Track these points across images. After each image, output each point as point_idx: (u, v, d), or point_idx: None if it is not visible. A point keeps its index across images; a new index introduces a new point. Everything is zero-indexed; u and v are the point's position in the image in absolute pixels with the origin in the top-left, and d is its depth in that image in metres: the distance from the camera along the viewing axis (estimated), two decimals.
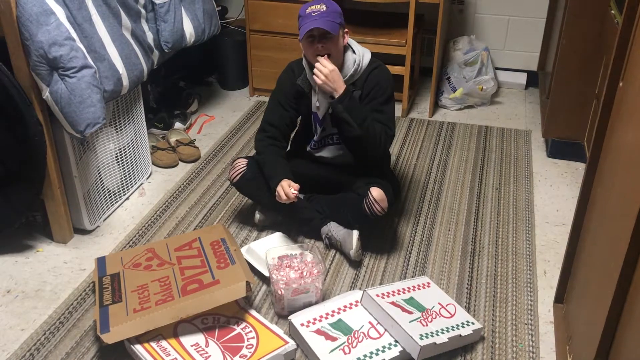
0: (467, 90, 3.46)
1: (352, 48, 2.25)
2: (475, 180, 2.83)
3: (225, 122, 3.41)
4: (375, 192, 2.17)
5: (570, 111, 2.91)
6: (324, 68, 2.12)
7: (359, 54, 2.24)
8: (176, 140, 3.03)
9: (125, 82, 2.43)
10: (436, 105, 3.55)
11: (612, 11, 2.53)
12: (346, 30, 2.21)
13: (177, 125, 3.24)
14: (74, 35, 2.12)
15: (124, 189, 2.68)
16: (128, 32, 2.52)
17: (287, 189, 2.14)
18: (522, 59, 3.79)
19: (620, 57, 1.59)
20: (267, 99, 3.35)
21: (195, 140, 3.09)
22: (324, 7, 2.11)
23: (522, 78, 3.80)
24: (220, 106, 3.60)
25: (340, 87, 2.13)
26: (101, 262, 2.21)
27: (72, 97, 2.10)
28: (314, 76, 2.14)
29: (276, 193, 2.17)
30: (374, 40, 3.25)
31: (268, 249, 2.18)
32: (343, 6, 3.61)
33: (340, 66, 2.21)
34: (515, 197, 2.71)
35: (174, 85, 3.54)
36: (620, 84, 1.59)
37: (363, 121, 2.15)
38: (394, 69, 3.31)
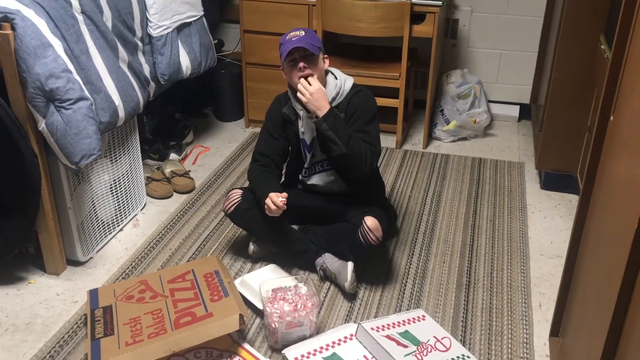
0: (461, 122, 3.49)
1: (333, 74, 2.32)
2: (469, 212, 2.84)
3: (220, 153, 3.42)
4: (370, 222, 2.17)
5: (563, 143, 2.94)
6: (308, 86, 2.16)
7: (341, 79, 2.31)
8: (171, 171, 3.04)
9: (122, 113, 2.44)
10: (430, 137, 3.58)
11: (602, 46, 2.57)
12: (326, 56, 2.29)
13: (173, 156, 3.25)
14: (71, 67, 2.14)
15: (117, 220, 2.67)
16: (125, 64, 2.55)
17: (275, 199, 2.17)
18: (514, 92, 3.84)
19: (611, 91, 1.62)
20: None
21: (190, 171, 3.10)
22: (302, 33, 2.19)
23: (514, 111, 3.84)
24: (216, 137, 3.62)
25: (324, 107, 2.17)
26: (93, 294, 2.19)
27: (68, 128, 2.11)
28: (298, 94, 2.17)
29: (265, 207, 2.19)
30: (369, 74, 3.29)
31: (262, 281, 2.16)
32: (339, 41, 3.69)
33: (324, 79, 2.28)
34: (510, 229, 2.71)
35: (169, 117, 3.56)
36: (611, 118, 1.61)
37: (348, 139, 2.16)
38: (388, 102, 3.36)
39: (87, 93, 2.18)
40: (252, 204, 2.33)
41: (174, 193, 2.99)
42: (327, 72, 2.31)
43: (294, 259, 2.43)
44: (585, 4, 2.68)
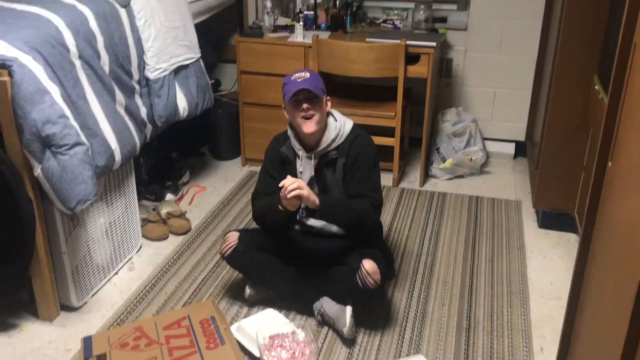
0: (457, 160, 3.50)
1: (333, 116, 2.34)
2: (468, 252, 2.82)
3: (217, 192, 3.41)
4: (368, 265, 2.15)
5: (560, 182, 2.94)
6: (292, 185, 2.11)
7: (340, 121, 2.33)
8: (167, 212, 3.02)
9: (118, 157, 2.44)
10: (426, 175, 3.58)
11: (596, 86, 2.60)
12: (328, 98, 2.31)
13: (169, 196, 3.23)
14: (68, 113, 2.14)
15: (113, 263, 2.64)
16: (122, 107, 2.56)
17: (289, 181, 2.12)
18: (509, 130, 3.86)
19: (608, 137, 1.62)
20: (259, 168, 3.39)
21: (186, 212, 3.08)
22: (307, 75, 2.22)
23: (510, 148, 3.86)
24: (213, 177, 3.61)
25: (314, 201, 2.15)
26: (87, 342, 2.15)
27: (64, 174, 2.10)
28: (292, 196, 2.12)
29: (283, 197, 2.13)
30: (365, 113, 3.31)
31: (259, 328, 2.13)
32: (334, 81, 3.72)
33: (323, 131, 2.28)
34: (509, 270, 2.69)
35: (166, 157, 3.56)
36: (609, 164, 1.61)
37: (348, 216, 2.22)
38: (384, 140, 3.36)
39: (83, 138, 2.18)
40: (249, 246, 2.31)
41: (170, 234, 2.96)
42: (328, 113, 2.33)
43: (291, 302, 2.40)
44: (578, 45, 2.71)
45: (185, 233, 2.97)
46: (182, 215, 3.02)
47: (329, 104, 2.33)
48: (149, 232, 2.92)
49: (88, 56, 2.34)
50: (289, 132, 2.35)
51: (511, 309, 2.43)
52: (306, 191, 2.12)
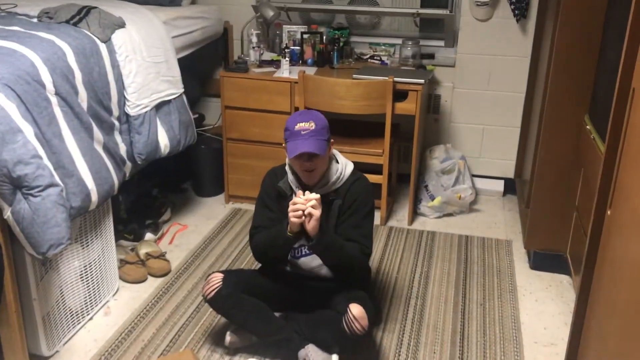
0: (445, 198, 3.43)
1: (335, 157, 2.28)
2: (459, 295, 2.73)
3: (198, 231, 3.29)
4: (355, 310, 2.05)
5: (551, 223, 2.88)
6: (303, 205, 2.04)
7: (342, 164, 2.27)
8: (146, 252, 2.90)
9: (94, 197, 2.33)
10: (415, 213, 3.50)
11: (587, 126, 2.55)
12: (332, 140, 2.22)
13: (148, 236, 3.12)
14: (41, 152, 2.04)
15: (87, 308, 2.51)
16: (100, 145, 2.46)
17: (301, 198, 2.05)
18: (498, 167, 3.81)
19: (606, 184, 1.55)
20: (243, 206, 3.29)
21: (165, 252, 2.96)
22: (313, 125, 2.10)
23: (499, 186, 3.80)
24: (195, 214, 3.50)
25: (316, 228, 2.07)
26: None
27: (36, 217, 1.99)
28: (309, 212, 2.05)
29: (293, 215, 2.04)
30: (352, 150, 3.24)
31: None
32: None
33: (324, 174, 2.21)
34: (501, 314, 2.60)
35: (146, 193, 3.45)
36: (608, 212, 1.54)
37: (340, 257, 2.16)
38: (372, 178, 3.25)
39: (57, 179, 2.08)
40: (233, 289, 2.21)
41: (149, 276, 2.84)
42: (330, 156, 2.26)
43: (276, 349, 2.28)
44: (568, 84, 2.67)
45: (164, 275, 2.85)
46: (161, 256, 2.90)
47: (332, 147, 2.25)
48: (126, 274, 2.79)
49: (65, 92, 2.25)
50: (287, 168, 2.28)
51: (504, 356, 2.33)
52: (318, 212, 2.04)
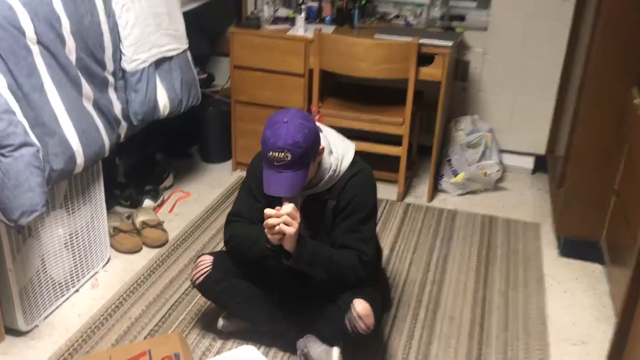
0: (470, 175, 3.15)
1: (330, 147, 1.87)
2: (479, 282, 2.48)
3: (201, 200, 3.07)
4: (360, 306, 1.81)
5: (586, 206, 2.60)
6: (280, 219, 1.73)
7: (338, 157, 1.86)
8: (142, 221, 2.69)
9: (80, 159, 2.11)
10: (435, 190, 3.23)
11: (636, 100, 2.25)
12: (321, 147, 1.80)
13: (147, 203, 2.90)
14: (15, 107, 1.82)
15: (73, 279, 2.32)
16: (89, 102, 2.23)
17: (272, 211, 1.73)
18: (528, 142, 3.50)
19: None
20: None
21: (163, 222, 2.75)
22: (288, 156, 1.68)
23: (528, 162, 3.50)
24: (199, 181, 3.28)
25: (292, 247, 1.79)
26: None
27: (6, 179, 1.78)
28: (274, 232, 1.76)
29: (269, 232, 1.76)
30: (370, 118, 2.97)
31: None
32: (337, 80, 3.38)
33: (315, 171, 1.84)
34: (525, 306, 2.35)
35: (149, 157, 3.23)
36: None
37: (328, 271, 1.85)
38: (390, 150, 3.03)
39: (32, 138, 1.85)
40: (224, 274, 1.98)
41: (144, 247, 2.64)
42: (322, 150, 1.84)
43: (272, 336, 2.06)
44: (615, 55, 2.36)
45: (160, 246, 2.64)
46: (158, 225, 2.69)
47: (321, 155, 1.82)
48: (119, 244, 2.59)
49: (49, 41, 2.01)
50: None
51: (528, 354, 2.09)
52: (292, 229, 1.73)
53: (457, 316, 2.27)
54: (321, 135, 1.81)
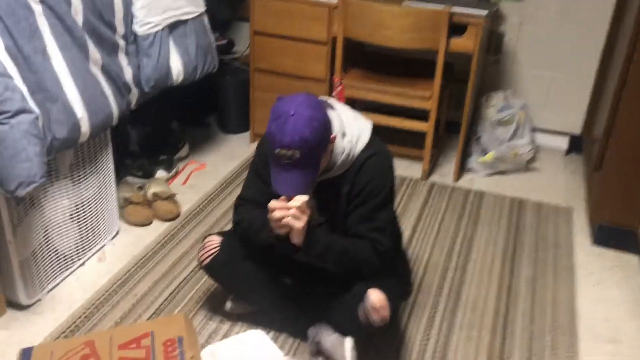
0: (500, 154, 2.97)
1: (344, 128, 1.68)
2: (505, 270, 2.33)
3: (217, 172, 2.95)
4: (375, 297, 1.68)
5: (625, 192, 2.42)
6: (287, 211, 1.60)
7: (352, 140, 1.68)
8: (154, 193, 2.58)
9: (85, 127, 2.00)
10: (462, 169, 3.06)
11: None
12: (333, 135, 1.62)
13: (159, 173, 2.80)
14: (13, 71, 1.71)
15: (79, 252, 2.23)
16: (97, 67, 2.11)
17: (285, 202, 1.59)
18: (563, 121, 3.30)
19: None
20: None
21: (175, 194, 2.64)
22: (297, 154, 1.51)
23: (562, 142, 3.31)
24: (215, 152, 3.16)
25: (299, 241, 1.66)
26: (26, 355, 1.74)
27: (2, 148, 1.67)
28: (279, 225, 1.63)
29: (275, 223, 1.62)
30: (395, 91, 2.80)
31: (237, 355, 1.70)
32: (362, 49, 3.20)
33: (328, 158, 1.67)
34: (554, 297, 2.19)
35: (164, 126, 3.11)
36: None
37: (339, 263, 1.72)
38: (416, 125, 2.87)
39: (31, 104, 1.74)
40: (233, 255, 1.86)
41: (155, 220, 2.54)
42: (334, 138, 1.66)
43: (283, 321, 1.95)
44: None
45: (172, 219, 2.54)
46: (170, 197, 2.58)
47: (333, 142, 1.63)
48: (129, 216, 2.49)
49: (53, 1, 1.88)
50: None
51: (555, 351, 1.95)
52: (300, 224, 1.60)
53: (480, 305, 2.14)
54: (333, 114, 1.65)
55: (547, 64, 3.20)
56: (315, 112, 1.53)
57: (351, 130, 1.69)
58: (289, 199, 1.60)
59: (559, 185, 3.00)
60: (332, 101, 1.74)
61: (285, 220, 1.60)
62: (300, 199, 1.59)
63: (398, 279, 1.88)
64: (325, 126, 1.56)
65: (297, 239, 1.65)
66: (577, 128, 3.30)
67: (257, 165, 1.82)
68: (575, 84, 3.20)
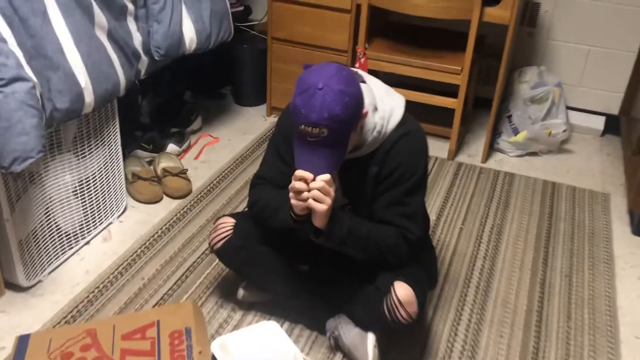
0: (532, 134, 2.78)
1: (375, 102, 1.51)
2: (538, 262, 2.16)
3: (231, 146, 2.80)
4: (401, 291, 1.52)
5: None
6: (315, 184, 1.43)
7: (384, 116, 1.51)
8: (164, 168, 2.44)
9: (89, 98, 1.84)
10: (490, 148, 2.88)
11: None
12: (365, 111, 1.45)
13: (171, 147, 2.64)
14: (7, 34, 1.55)
15: (83, 231, 2.09)
16: (103, 32, 1.94)
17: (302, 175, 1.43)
18: (600, 99, 3.09)
19: None
20: None
21: (187, 170, 2.49)
22: (324, 132, 1.35)
23: (599, 122, 3.10)
24: (230, 126, 2.99)
25: (322, 223, 1.50)
26: (22, 343, 1.62)
27: None
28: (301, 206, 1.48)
29: (292, 200, 1.48)
30: (422, 64, 2.61)
31: (249, 349, 1.57)
32: (388, 19, 3.00)
33: (357, 137, 1.50)
34: (592, 293, 2.03)
35: (177, 97, 2.95)
36: None
37: (364, 250, 1.56)
38: (444, 101, 2.68)
39: (28, 72, 1.58)
40: (247, 239, 1.71)
41: (164, 197, 2.39)
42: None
43: (300, 311, 1.81)
44: None
45: (183, 197, 2.39)
46: (181, 173, 2.44)
47: (364, 118, 1.46)
48: (137, 192, 2.35)
49: None
50: None
51: (595, 352, 1.79)
52: (324, 207, 1.44)
53: (512, 300, 1.98)
54: (364, 87, 1.47)
55: (585, 38, 2.98)
56: (346, 86, 1.36)
57: (383, 105, 1.52)
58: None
59: (594, 169, 2.81)
60: (362, 73, 1.56)
61: (308, 202, 1.44)
62: (324, 178, 1.43)
63: (424, 268, 1.72)
64: (357, 102, 1.39)
65: (319, 222, 1.49)
66: (614, 108, 3.09)
67: (278, 141, 1.65)
68: (614, 60, 2.98)
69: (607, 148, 3.00)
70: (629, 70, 2.98)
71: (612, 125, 3.09)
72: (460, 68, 2.58)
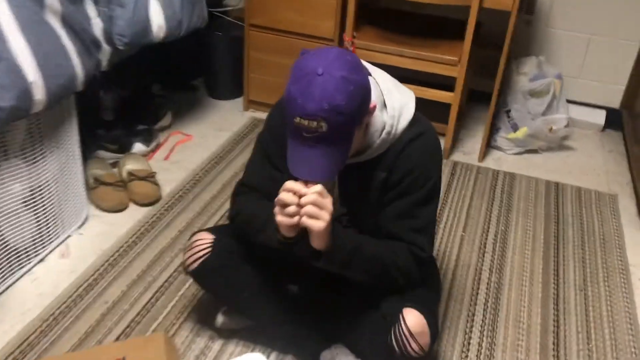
0: (533, 130, 2.58)
1: (384, 99, 1.30)
2: (549, 272, 1.96)
3: (205, 145, 2.54)
4: (412, 319, 1.31)
5: None
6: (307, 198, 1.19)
7: (394, 114, 1.29)
8: (129, 171, 2.17)
9: (40, 94, 1.57)
10: (487, 146, 2.67)
11: None
12: (373, 105, 1.22)
13: (137, 147, 2.37)
14: None
15: (36, 246, 1.82)
16: (56, 17, 1.67)
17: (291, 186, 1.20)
18: (601, 92, 2.91)
19: None
20: (264, 115, 2.36)
21: (156, 173, 2.22)
22: (323, 127, 1.13)
23: (599, 117, 2.92)
24: (203, 121, 2.73)
25: (320, 244, 1.25)
26: None
27: None
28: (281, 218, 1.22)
29: (277, 217, 1.22)
30: (415, 54, 2.39)
31: None
32: (379, 5, 2.76)
33: (362, 136, 1.28)
34: (610, 307, 1.84)
35: (144, 91, 2.68)
36: None
37: (369, 272, 1.34)
38: (438, 95, 2.46)
39: None
40: (228, 259, 1.47)
41: (131, 204, 2.13)
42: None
43: (287, 341, 1.57)
44: None
45: (151, 204, 2.13)
46: (149, 177, 2.17)
47: (371, 114, 1.24)
48: (100, 199, 2.08)
49: None
50: None
51: None
52: (321, 224, 1.19)
53: (524, 319, 1.77)
54: (370, 81, 1.24)
55: (585, 26, 2.79)
56: (351, 73, 1.13)
57: (392, 102, 1.29)
58: (307, 185, 1.20)
59: (598, 167, 2.62)
60: (367, 64, 1.33)
61: (296, 218, 1.19)
62: (316, 189, 1.19)
63: (432, 289, 1.51)
64: (363, 92, 1.16)
65: (318, 243, 1.25)
66: (615, 101, 2.91)
67: (266, 141, 1.41)
68: (616, 50, 2.80)
69: (609, 144, 2.82)
70: (631, 61, 2.81)
71: (613, 119, 2.92)
72: (457, 59, 2.36)
